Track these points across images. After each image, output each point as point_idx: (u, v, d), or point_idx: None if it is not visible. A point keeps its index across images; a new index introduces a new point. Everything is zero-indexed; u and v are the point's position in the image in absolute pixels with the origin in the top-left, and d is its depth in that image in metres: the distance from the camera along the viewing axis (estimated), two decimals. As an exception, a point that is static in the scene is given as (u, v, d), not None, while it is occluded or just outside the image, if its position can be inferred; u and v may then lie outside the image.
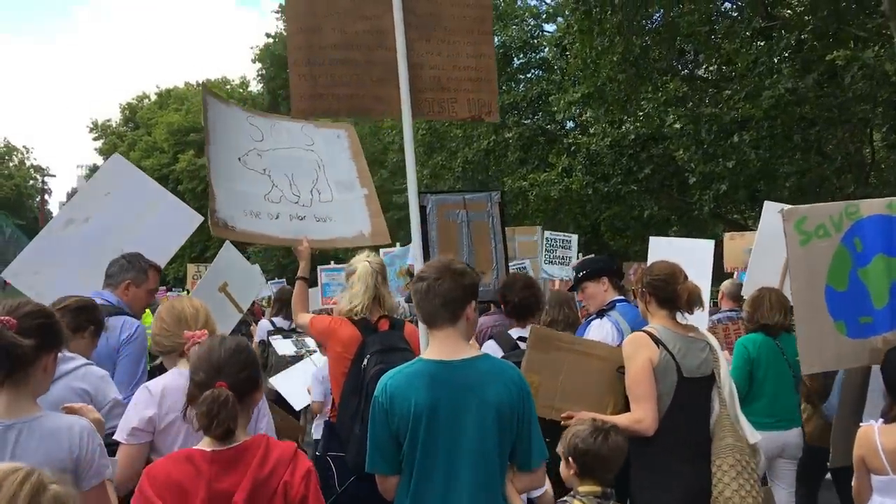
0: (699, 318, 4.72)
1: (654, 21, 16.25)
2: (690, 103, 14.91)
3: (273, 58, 34.34)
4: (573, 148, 18.27)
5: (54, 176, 72.28)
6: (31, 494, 1.57)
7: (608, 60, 15.32)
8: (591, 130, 17.34)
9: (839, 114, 13.04)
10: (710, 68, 17.26)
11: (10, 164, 51.29)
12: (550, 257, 10.15)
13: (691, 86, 16.00)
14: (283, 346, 7.34)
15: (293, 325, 6.92)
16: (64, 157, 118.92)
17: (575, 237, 10.90)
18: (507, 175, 20.47)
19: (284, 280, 17.40)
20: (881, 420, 3.34)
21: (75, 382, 2.99)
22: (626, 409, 3.58)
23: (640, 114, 15.46)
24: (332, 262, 11.09)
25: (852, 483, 3.42)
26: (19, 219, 39.75)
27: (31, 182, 51.14)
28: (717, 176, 14.34)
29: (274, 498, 2.23)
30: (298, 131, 5.01)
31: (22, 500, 1.56)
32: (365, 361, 3.67)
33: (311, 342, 7.04)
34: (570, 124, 21.05)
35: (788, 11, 14.81)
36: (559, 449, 3.16)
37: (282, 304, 8.03)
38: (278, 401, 6.19)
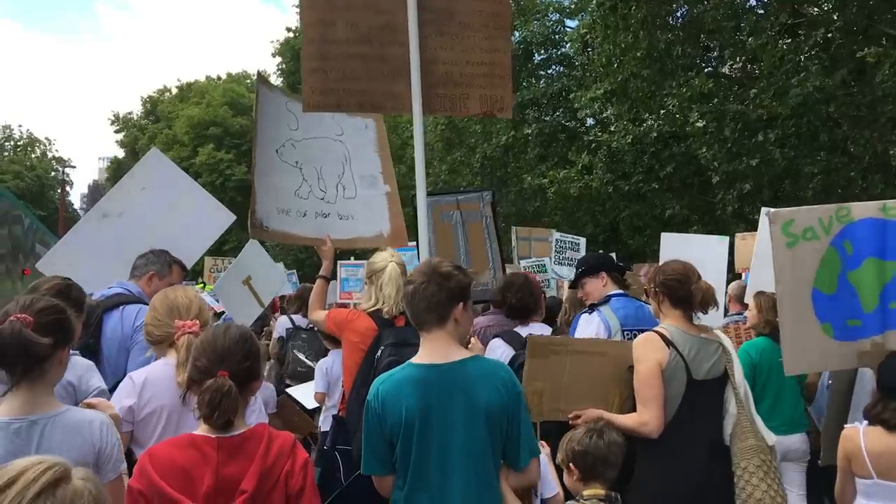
0: (715, 318, 4.77)
1: (679, 17, 16.02)
2: (716, 99, 14.65)
3: (293, 52, 34.43)
4: (594, 145, 18.07)
5: (75, 167, 73.01)
6: (48, 482, 1.53)
7: (632, 56, 15.15)
8: (612, 128, 17.15)
9: (868, 112, 12.75)
10: (735, 66, 16.98)
11: (33, 156, 51.75)
12: (560, 258, 10.26)
13: (716, 83, 15.74)
14: (304, 359, 7.55)
15: (311, 325, 6.98)
16: (86, 149, 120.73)
17: (583, 240, 11.02)
18: (526, 172, 20.33)
19: (295, 272, 17.40)
20: (865, 422, 3.36)
21: None
22: (634, 402, 3.60)
23: (663, 111, 15.25)
24: (352, 257, 11.08)
25: (836, 485, 3.45)
26: (41, 210, 40.19)
27: (53, 174, 51.60)
28: (740, 175, 14.10)
29: (276, 487, 2.27)
30: (329, 118, 4.96)
31: (37, 488, 1.52)
32: (378, 353, 3.74)
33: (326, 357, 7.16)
34: (590, 121, 20.84)
35: (815, 9, 14.49)
36: (559, 459, 3.20)
37: (302, 302, 8.00)
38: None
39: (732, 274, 9.28)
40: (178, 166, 5.62)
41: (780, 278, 3.80)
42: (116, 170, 49.27)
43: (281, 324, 8.47)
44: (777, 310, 4.68)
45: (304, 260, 27.74)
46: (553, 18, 22.93)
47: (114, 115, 50.94)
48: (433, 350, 2.79)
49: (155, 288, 4.24)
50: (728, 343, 3.65)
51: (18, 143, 52.27)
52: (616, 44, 15.40)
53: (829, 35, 12.95)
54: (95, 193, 63.97)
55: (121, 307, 3.95)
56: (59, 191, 47.39)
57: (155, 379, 2.88)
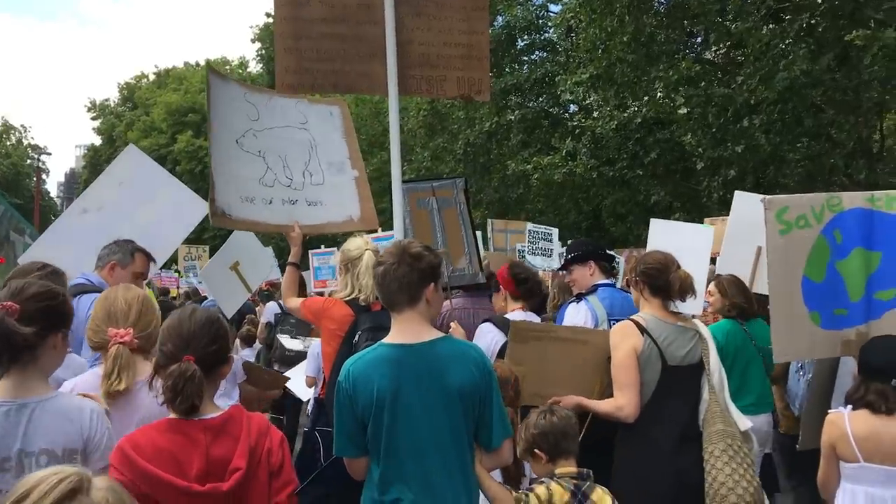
0: (695, 305, 4.89)
1: (663, 1, 15.89)
2: (703, 83, 14.57)
3: (273, 37, 33.98)
4: (577, 131, 17.95)
5: (51, 155, 72.01)
6: (62, 494, 1.49)
7: (618, 41, 15.02)
8: (596, 114, 17.03)
9: (854, 97, 12.71)
10: (719, 52, 16.89)
11: (8, 143, 50.85)
12: (533, 248, 10.28)
13: (701, 68, 15.65)
14: (291, 344, 7.61)
15: None
16: (62, 136, 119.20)
17: (556, 230, 11.16)
18: (510, 158, 20.16)
19: (276, 261, 17.27)
20: (849, 406, 3.39)
21: None
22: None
23: (647, 97, 15.15)
24: (322, 245, 11.06)
25: (818, 472, 3.45)
26: (16, 198, 39.50)
27: (29, 161, 50.77)
28: (725, 161, 14.03)
29: (260, 463, 2.33)
30: (293, 108, 4.97)
31: (49, 502, 1.47)
32: (356, 338, 3.78)
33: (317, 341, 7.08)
34: (573, 108, 20.71)
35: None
36: (519, 453, 3.19)
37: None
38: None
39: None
40: (157, 154, 5.72)
41: (773, 265, 3.85)
42: (93, 158, 48.71)
43: (269, 309, 8.68)
44: (748, 292, 4.93)
45: (285, 248, 27.47)
46: (537, 3, 22.75)
47: (90, 102, 50.46)
48: (404, 330, 2.79)
49: (117, 277, 4.27)
50: (705, 331, 3.72)
51: (-7, 131, 51.43)
52: (602, 28, 15.26)
53: (813, 21, 12.86)
54: (72, 182, 63.15)
55: (77, 297, 3.81)
56: (34, 179, 46.62)
57: (82, 390, 2.71)
